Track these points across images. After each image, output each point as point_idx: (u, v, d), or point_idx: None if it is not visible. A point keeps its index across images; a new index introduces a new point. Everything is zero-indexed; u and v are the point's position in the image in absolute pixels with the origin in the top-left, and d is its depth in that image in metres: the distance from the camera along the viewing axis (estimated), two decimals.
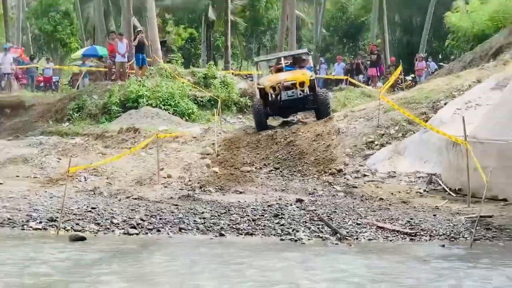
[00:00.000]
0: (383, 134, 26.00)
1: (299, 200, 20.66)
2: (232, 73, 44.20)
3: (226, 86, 37.93)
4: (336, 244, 17.10)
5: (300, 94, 28.16)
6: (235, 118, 35.62)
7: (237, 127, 30.26)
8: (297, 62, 31.58)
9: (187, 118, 34.81)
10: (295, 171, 24.83)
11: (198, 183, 23.15)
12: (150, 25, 43.63)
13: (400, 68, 39.38)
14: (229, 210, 19.72)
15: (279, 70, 30.99)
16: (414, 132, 25.39)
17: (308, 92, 28.64)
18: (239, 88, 39.54)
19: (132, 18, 45.71)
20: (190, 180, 23.50)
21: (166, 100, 35.43)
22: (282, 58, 31.50)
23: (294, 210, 19.59)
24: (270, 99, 27.85)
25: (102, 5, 56.03)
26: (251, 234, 17.77)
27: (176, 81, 37.77)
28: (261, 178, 24.28)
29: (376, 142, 25.72)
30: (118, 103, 35.21)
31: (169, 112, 34.77)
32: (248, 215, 19.14)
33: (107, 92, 36.43)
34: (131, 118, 33.06)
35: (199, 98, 36.93)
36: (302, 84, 28.19)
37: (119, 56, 39.34)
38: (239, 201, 20.70)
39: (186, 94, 36.67)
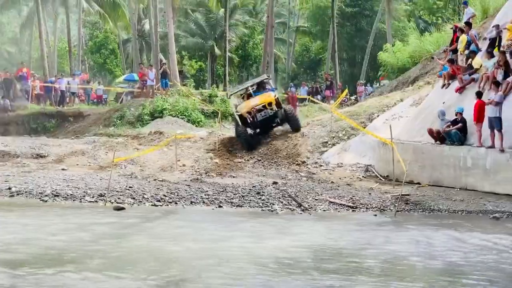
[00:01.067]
0: (333, 137, 25.99)
1: (275, 183, 20.63)
2: (230, 94, 44.07)
3: (224, 102, 37.77)
4: (300, 213, 17.25)
5: (271, 112, 26.04)
6: (231, 125, 35.31)
7: (232, 131, 30.06)
8: (261, 87, 28.79)
9: (197, 125, 34.67)
10: (272, 162, 24.79)
11: (204, 170, 23.11)
12: (171, 59, 43.39)
13: (346, 91, 39.50)
14: (225, 189, 19.74)
15: (250, 96, 28.16)
16: (355, 135, 25.41)
17: (276, 109, 26.33)
18: (233, 104, 39.40)
19: (159, 54, 45.57)
20: (198, 168, 23.46)
21: (182, 112, 35.35)
22: (249, 87, 28.77)
23: (271, 190, 19.59)
24: (248, 121, 26.00)
25: (138, 45, 55.95)
26: (241, 206, 17.93)
27: (189, 98, 37.64)
28: (248, 167, 24.28)
29: (329, 142, 25.71)
30: (149, 114, 35.10)
31: (184, 120, 34.68)
32: (239, 193, 19.18)
33: (141, 106, 36.28)
34: (157, 124, 32.94)
35: (205, 111, 36.74)
36: (270, 104, 26.08)
37: (149, 80, 39.27)
38: (232, 183, 20.72)
39: (196, 108, 36.53)
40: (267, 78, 29.48)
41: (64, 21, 59.95)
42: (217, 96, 39.32)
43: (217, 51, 60.73)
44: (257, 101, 26.97)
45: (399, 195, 18.68)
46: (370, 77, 50.71)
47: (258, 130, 27.47)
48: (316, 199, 18.66)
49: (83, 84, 46.03)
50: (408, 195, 19.01)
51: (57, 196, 18.73)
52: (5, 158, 25.54)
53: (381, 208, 17.82)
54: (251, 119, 26.17)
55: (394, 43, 45.36)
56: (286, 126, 27.76)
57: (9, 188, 19.47)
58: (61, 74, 48.95)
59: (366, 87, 44.72)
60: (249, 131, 26.89)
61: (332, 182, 21.52)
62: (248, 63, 64.20)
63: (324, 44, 59.11)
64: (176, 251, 12.92)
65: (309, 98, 40.51)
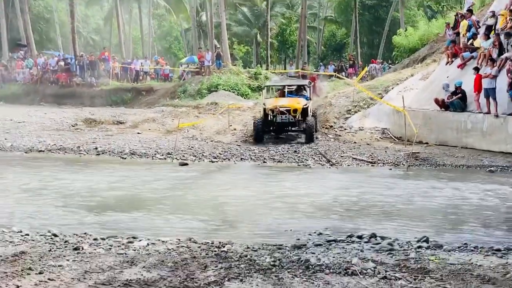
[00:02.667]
0: (356, 106, 25.78)
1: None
2: (270, 72, 43.79)
3: (267, 79, 37.70)
4: (329, 167, 17.17)
5: (292, 119, 21.20)
6: (273, 96, 35.20)
7: None
8: (298, 90, 23.87)
9: (245, 97, 34.63)
10: None
11: (251, 134, 23.15)
12: (224, 44, 43.35)
13: (366, 68, 39.23)
14: (268, 148, 19.79)
15: (283, 94, 23.67)
16: (374, 105, 25.16)
17: (300, 118, 21.35)
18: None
19: (213, 40, 45.62)
20: (246, 132, 23.43)
21: (233, 87, 35.42)
22: (286, 86, 24.16)
23: (305, 149, 19.62)
24: (269, 118, 21.41)
25: (196, 33, 56.05)
26: (281, 162, 17.91)
27: (238, 76, 37.63)
28: None
29: (352, 110, 25.50)
30: (206, 88, 35.16)
31: (234, 93, 34.72)
32: (279, 151, 19.20)
33: (199, 82, 36.40)
34: (213, 96, 33.00)
35: (251, 85, 36.66)
36: (295, 111, 21.16)
37: (206, 61, 39.38)
38: (274, 145, 20.83)
39: (244, 83, 36.52)
40: (307, 85, 23.90)
41: (137, 14, 60.15)
42: (260, 74, 39.18)
43: (260, 37, 60.85)
44: (284, 102, 22.11)
45: (410, 152, 18.58)
46: (386, 57, 50.04)
47: (272, 128, 22.33)
48: (341, 156, 18.60)
49: (158, 66, 46.22)
50: (418, 152, 18.86)
51: (134, 154, 19.00)
52: (92, 124, 25.90)
53: (395, 163, 17.70)
54: (271, 117, 21.49)
55: (406, 28, 44.80)
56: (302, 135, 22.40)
57: (96, 148, 19.82)
58: (135, 57, 49.23)
59: (383, 65, 44.20)
60: (264, 125, 21.88)
61: (354, 142, 21.41)
62: (285, 47, 64.25)
63: (348, 31, 58.64)
64: (230, 197, 13.02)
65: (335, 74, 40.11)
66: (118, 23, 55.17)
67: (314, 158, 18.28)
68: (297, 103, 21.71)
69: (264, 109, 21.82)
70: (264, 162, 17.91)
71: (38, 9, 58.97)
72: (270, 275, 6.57)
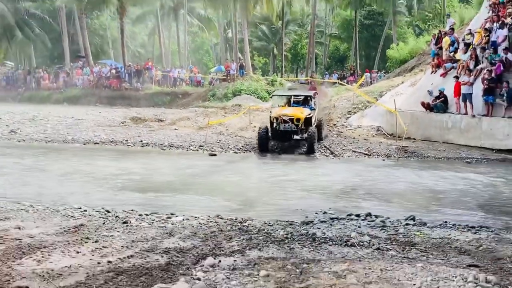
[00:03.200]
0: (355, 107, 25.61)
1: None
2: (285, 79, 43.63)
3: (281, 85, 37.63)
4: (332, 158, 17.13)
5: (294, 128, 18.68)
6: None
7: None
8: (304, 101, 21.04)
9: (263, 100, 34.57)
10: None
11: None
12: (246, 56, 43.33)
13: (363, 77, 39.07)
14: (281, 144, 19.80)
15: (289, 103, 20.86)
16: (370, 106, 25.00)
17: (302, 127, 18.87)
18: (288, 86, 39.04)
19: (238, 52, 45.58)
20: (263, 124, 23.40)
21: (254, 91, 35.42)
22: (293, 96, 21.21)
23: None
24: (273, 126, 18.92)
25: (223, 47, 56.05)
26: (292, 153, 17.90)
27: (258, 82, 37.61)
28: None
29: (352, 111, 25.34)
30: (231, 93, 35.17)
31: (255, 97, 34.68)
32: (292, 144, 19.15)
33: (226, 87, 36.41)
34: (237, 99, 32.99)
35: (269, 90, 36.55)
36: (298, 120, 18.73)
37: (232, 70, 39.42)
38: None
39: (263, 89, 36.50)
40: (312, 96, 21.06)
41: (175, 31, 60.23)
42: (276, 81, 39.15)
43: (276, 51, 60.84)
44: (288, 111, 19.45)
45: (400, 146, 18.52)
46: (381, 67, 49.67)
47: (276, 135, 19.38)
48: (343, 149, 18.54)
49: (192, 74, 46.27)
50: (406, 146, 18.75)
51: (172, 146, 19.04)
52: (137, 121, 25.96)
53: (388, 155, 17.62)
54: (275, 124, 18.96)
55: (398, 43, 44.45)
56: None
57: (141, 141, 19.89)
58: (173, 66, 49.34)
59: (379, 74, 43.89)
60: (267, 133, 19.16)
61: (354, 138, 21.27)
62: (297, 58, 64.03)
63: (349, 45, 58.26)
64: (250, 181, 13.04)
65: (338, 82, 39.92)
66: (159, 38, 55.42)
67: (320, 151, 18.24)
68: (301, 112, 19.15)
69: (270, 117, 19.39)
70: (279, 153, 17.94)
71: (94, 26, 59.46)
72: (283, 246, 6.61)
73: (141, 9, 56.40)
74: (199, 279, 5.20)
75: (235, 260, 5.91)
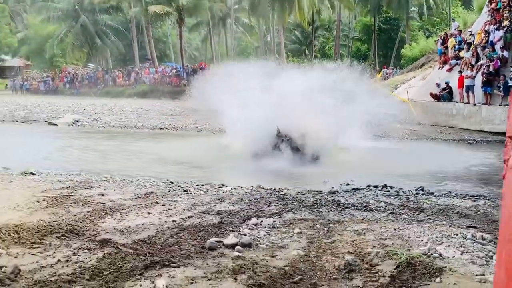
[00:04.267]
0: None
1: None
2: None
3: None
4: None
5: None
6: None
7: None
8: None
9: None
10: None
11: None
12: (282, 57, 43.24)
13: (381, 72, 38.45)
14: None
15: None
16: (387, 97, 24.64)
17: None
18: None
19: (275, 54, 45.47)
20: None
21: None
22: None
23: None
24: None
25: (264, 49, 55.97)
26: None
27: None
28: None
29: None
30: None
31: None
32: None
33: None
34: None
35: None
36: None
37: None
38: None
39: None
40: None
41: (224, 36, 60.39)
42: None
43: (307, 52, 60.32)
44: None
45: (412, 130, 18.22)
46: (396, 64, 48.71)
47: None
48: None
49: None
50: (416, 130, 18.47)
51: (222, 130, 18.90)
52: (194, 112, 26.01)
53: (401, 137, 17.38)
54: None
55: (410, 44, 43.56)
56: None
57: (196, 127, 20.06)
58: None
59: (394, 70, 43.07)
60: None
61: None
62: (325, 58, 63.46)
63: (369, 46, 57.34)
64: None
65: None
66: (211, 43, 55.71)
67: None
68: None
69: None
70: None
71: (158, 34, 60.28)
72: (313, 210, 6.67)
73: (196, 19, 56.72)
74: (245, 234, 5.32)
75: (274, 221, 6.01)
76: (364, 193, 8.06)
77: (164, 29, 63.25)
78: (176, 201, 6.89)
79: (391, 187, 8.61)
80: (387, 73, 41.03)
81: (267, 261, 4.46)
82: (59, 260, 4.33)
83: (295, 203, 6.99)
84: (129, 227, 5.54)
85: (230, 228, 5.57)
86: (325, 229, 5.64)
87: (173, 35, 62.87)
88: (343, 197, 7.62)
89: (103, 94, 44.89)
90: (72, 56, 57.43)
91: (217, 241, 4.96)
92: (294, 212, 6.47)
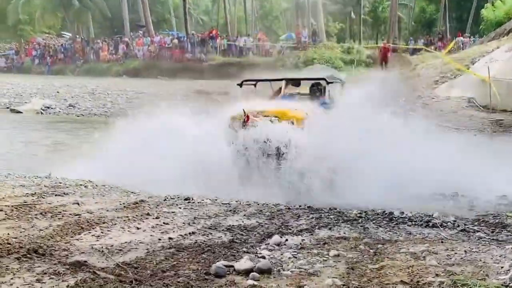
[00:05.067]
0: (443, 76, 25.07)
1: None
2: (363, 46, 43.05)
3: (358, 52, 37.25)
4: None
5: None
6: (364, 70, 34.67)
7: (364, 76, 29.24)
8: (313, 92, 11.93)
9: (338, 69, 34.38)
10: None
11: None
12: (319, 22, 43.11)
13: (454, 42, 38.05)
14: None
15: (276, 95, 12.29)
16: (460, 75, 24.37)
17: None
18: (367, 54, 38.46)
19: (310, 18, 45.44)
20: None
21: (327, 60, 35.36)
22: (284, 84, 12.06)
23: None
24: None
25: (295, 12, 55.91)
26: None
27: (332, 50, 37.40)
28: None
29: (439, 81, 24.83)
30: (302, 62, 35.23)
31: (329, 67, 34.46)
32: None
33: (297, 56, 36.44)
34: (309, 70, 32.93)
35: (344, 59, 36.32)
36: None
37: (303, 38, 39.52)
38: None
39: (338, 57, 36.31)
40: (324, 80, 11.79)
41: None
42: (353, 48, 38.77)
43: (353, 15, 60.04)
44: (269, 109, 10.05)
45: (494, 120, 18.02)
46: (474, 30, 48.07)
47: None
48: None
49: (260, 41, 46.39)
50: (502, 120, 18.24)
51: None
52: (200, 95, 26.36)
53: (480, 129, 17.20)
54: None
55: (494, 2, 42.95)
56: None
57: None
58: (239, 35, 49.62)
59: (471, 38, 42.53)
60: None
61: (441, 110, 20.87)
62: (377, 23, 63.11)
63: (437, 7, 56.69)
64: None
65: (424, 48, 39.00)
66: (224, 4, 55.76)
67: None
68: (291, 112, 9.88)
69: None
70: None
71: None
72: (356, 225, 6.65)
73: None
74: (263, 257, 5.33)
75: (303, 239, 6.01)
76: (425, 204, 8.00)
77: None
78: (174, 212, 6.95)
79: (463, 196, 8.53)
80: (462, 42, 40.58)
81: None
82: None
83: (331, 216, 6.98)
84: (112, 246, 5.60)
85: (244, 249, 5.59)
86: (372, 251, 5.62)
87: None
88: (397, 208, 7.57)
89: (83, 73, 45.52)
90: (43, 22, 58.29)
91: (226, 266, 4.99)
92: (330, 228, 6.47)
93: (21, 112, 21.42)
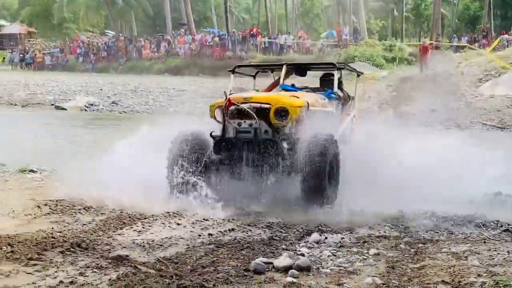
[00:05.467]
0: (487, 74, 24.65)
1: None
2: (406, 44, 42.50)
3: (400, 50, 36.80)
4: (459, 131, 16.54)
5: (266, 134, 7.39)
6: (406, 68, 34.21)
7: (406, 74, 28.97)
8: (325, 85, 8.93)
9: (380, 67, 34.04)
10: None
11: (384, 100, 22.60)
12: (361, 19, 42.83)
13: (498, 40, 37.28)
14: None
15: (275, 84, 8.95)
16: (505, 73, 23.89)
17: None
18: (409, 52, 37.89)
19: (351, 16, 45.19)
20: (380, 99, 22.94)
21: (368, 58, 34.93)
22: (284, 70, 8.70)
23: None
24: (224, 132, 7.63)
25: (336, 9, 55.63)
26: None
27: (374, 48, 37.02)
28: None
29: (483, 79, 24.40)
30: (343, 60, 34.90)
31: (370, 64, 34.11)
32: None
33: (338, 54, 36.18)
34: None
35: (386, 57, 35.90)
36: (281, 112, 7.33)
37: (344, 35, 39.29)
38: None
39: (379, 55, 35.88)
40: (333, 66, 8.98)
41: None
42: (395, 46, 38.26)
43: (396, 12, 59.36)
44: (259, 95, 7.88)
45: None
46: None
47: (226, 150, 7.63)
48: (471, 122, 17.91)
49: (301, 39, 46.25)
50: None
51: None
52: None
53: None
54: (221, 126, 7.64)
55: None
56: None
57: None
58: (280, 32, 49.58)
59: None
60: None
61: (485, 109, 20.49)
62: (420, 21, 62.29)
63: (481, 4, 55.64)
64: None
65: (468, 45, 38.32)
66: (265, 2, 55.73)
67: (441, 124, 17.61)
68: (292, 98, 7.83)
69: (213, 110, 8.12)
70: None
71: None
72: (397, 224, 6.61)
73: None
74: (303, 254, 5.33)
75: (343, 237, 6.00)
76: (467, 203, 7.85)
77: None
78: (214, 208, 6.98)
79: (508, 196, 8.35)
80: (507, 40, 39.69)
81: None
82: (61, 282, 4.49)
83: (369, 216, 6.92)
84: (153, 241, 5.68)
85: (283, 246, 5.61)
86: (412, 250, 5.58)
87: None
88: (439, 208, 7.46)
89: (126, 70, 46.10)
90: (87, 21, 59.25)
91: (265, 263, 5.00)
92: (370, 227, 6.44)
93: (66, 109, 21.83)
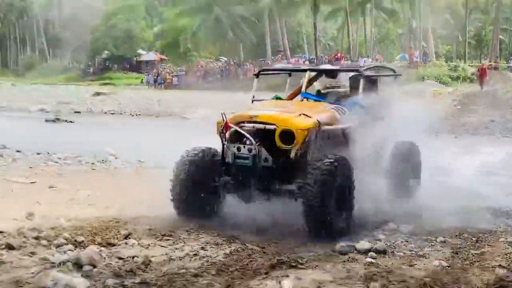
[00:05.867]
0: None
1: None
2: (468, 65, 40.59)
3: (464, 70, 35.20)
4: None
5: (267, 162, 5.47)
6: (468, 85, 32.64)
7: (468, 90, 27.63)
8: (352, 89, 6.65)
9: (446, 85, 32.67)
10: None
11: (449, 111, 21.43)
12: (429, 44, 41.30)
13: None
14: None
15: (296, 94, 7.00)
16: None
17: (298, 156, 5.48)
18: (471, 72, 36.10)
19: (421, 41, 43.59)
20: (445, 111, 21.59)
21: (436, 77, 33.74)
22: (306, 77, 6.69)
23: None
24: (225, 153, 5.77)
25: (408, 36, 53.91)
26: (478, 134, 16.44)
27: (441, 68, 35.70)
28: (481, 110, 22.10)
29: None
30: (414, 79, 33.76)
31: (437, 82, 32.85)
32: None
33: (409, 73, 35.02)
34: (419, 85, 31.18)
35: (451, 75, 34.45)
36: (285, 134, 5.42)
37: (415, 58, 38.20)
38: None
39: (445, 74, 34.50)
40: (357, 72, 6.74)
41: (362, 24, 59.48)
42: (459, 66, 36.69)
43: (460, 38, 57.09)
44: (266, 114, 5.76)
45: None
46: None
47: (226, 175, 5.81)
48: None
49: (377, 61, 45.29)
50: None
51: None
52: None
53: None
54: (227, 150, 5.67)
55: None
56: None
57: None
58: (360, 56, 48.85)
59: None
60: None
61: None
62: (481, 45, 59.52)
63: None
64: None
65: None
66: (348, 31, 55.08)
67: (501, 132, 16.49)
68: (300, 116, 5.70)
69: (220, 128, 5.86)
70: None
71: (292, 24, 61.33)
72: (460, 217, 6.33)
73: (332, 6, 56.56)
74: (379, 240, 5.26)
75: (414, 227, 5.83)
76: None
77: (299, 19, 64.14)
78: None
79: None
80: None
81: (403, 270, 4.36)
82: (187, 254, 4.69)
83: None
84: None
85: (364, 232, 5.54)
86: (474, 238, 5.40)
87: (307, 24, 63.47)
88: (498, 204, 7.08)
89: (235, 89, 46.85)
90: (206, 50, 60.91)
91: (348, 245, 4.97)
92: (438, 219, 6.19)
93: (189, 119, 22.47)
